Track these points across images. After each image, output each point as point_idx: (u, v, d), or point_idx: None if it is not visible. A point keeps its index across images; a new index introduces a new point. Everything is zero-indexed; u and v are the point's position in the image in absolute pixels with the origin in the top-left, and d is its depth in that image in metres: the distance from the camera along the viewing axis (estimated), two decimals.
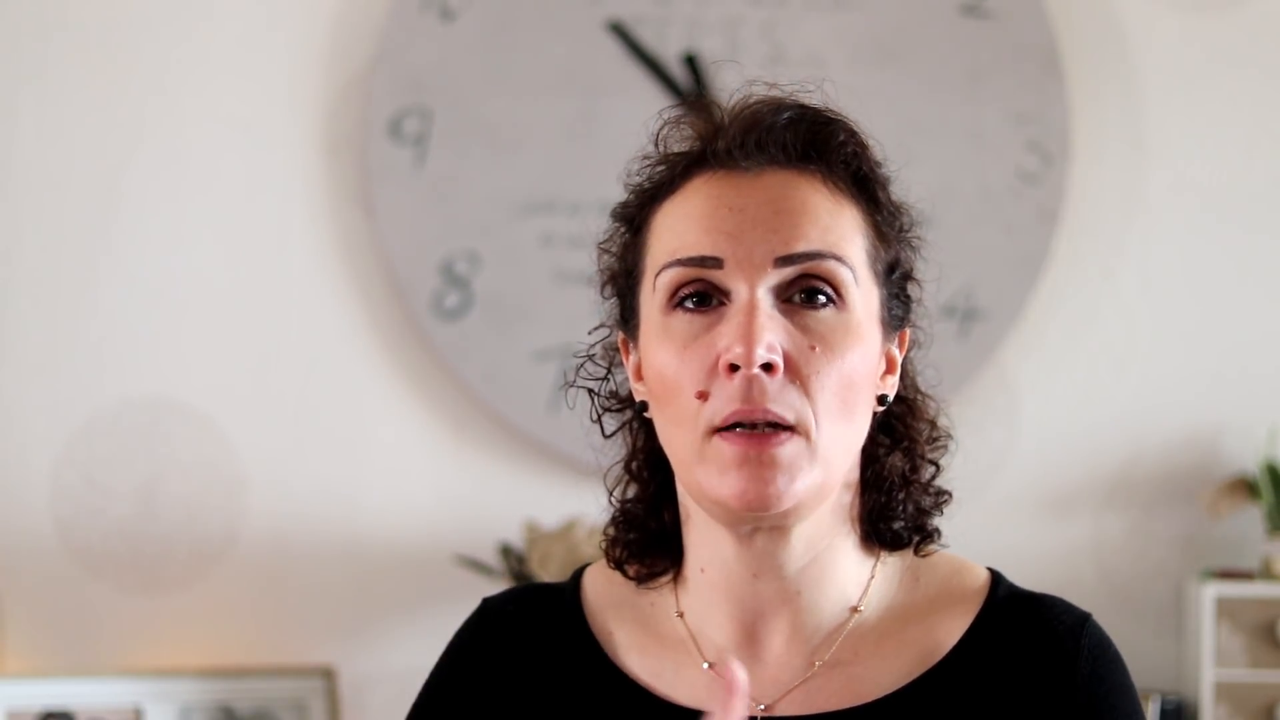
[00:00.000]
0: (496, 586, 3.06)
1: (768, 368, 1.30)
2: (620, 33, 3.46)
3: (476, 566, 3.30)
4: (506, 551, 3.30)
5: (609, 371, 1.46)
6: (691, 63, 3.44)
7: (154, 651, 3.39)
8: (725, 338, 1.31)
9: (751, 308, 1.31)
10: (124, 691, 3.26)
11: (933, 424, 1.43)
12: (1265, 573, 3.30)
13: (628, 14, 3.46)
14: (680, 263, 1.34)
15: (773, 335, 1.30)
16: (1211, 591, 3.24)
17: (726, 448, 1.30)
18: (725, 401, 1.31)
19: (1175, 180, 3.46)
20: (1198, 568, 3.41)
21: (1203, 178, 3.46)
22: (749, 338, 1.30)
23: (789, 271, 1.32)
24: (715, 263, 1.33)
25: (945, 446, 1.44)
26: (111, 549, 3.42)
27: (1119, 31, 3.47)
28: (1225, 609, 3.24)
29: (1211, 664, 3.23)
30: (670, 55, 3.46)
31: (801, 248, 1.33)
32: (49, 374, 3.42)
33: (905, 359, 1.42)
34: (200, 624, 3.40)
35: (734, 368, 1.30)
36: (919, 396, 1.44)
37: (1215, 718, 3.23)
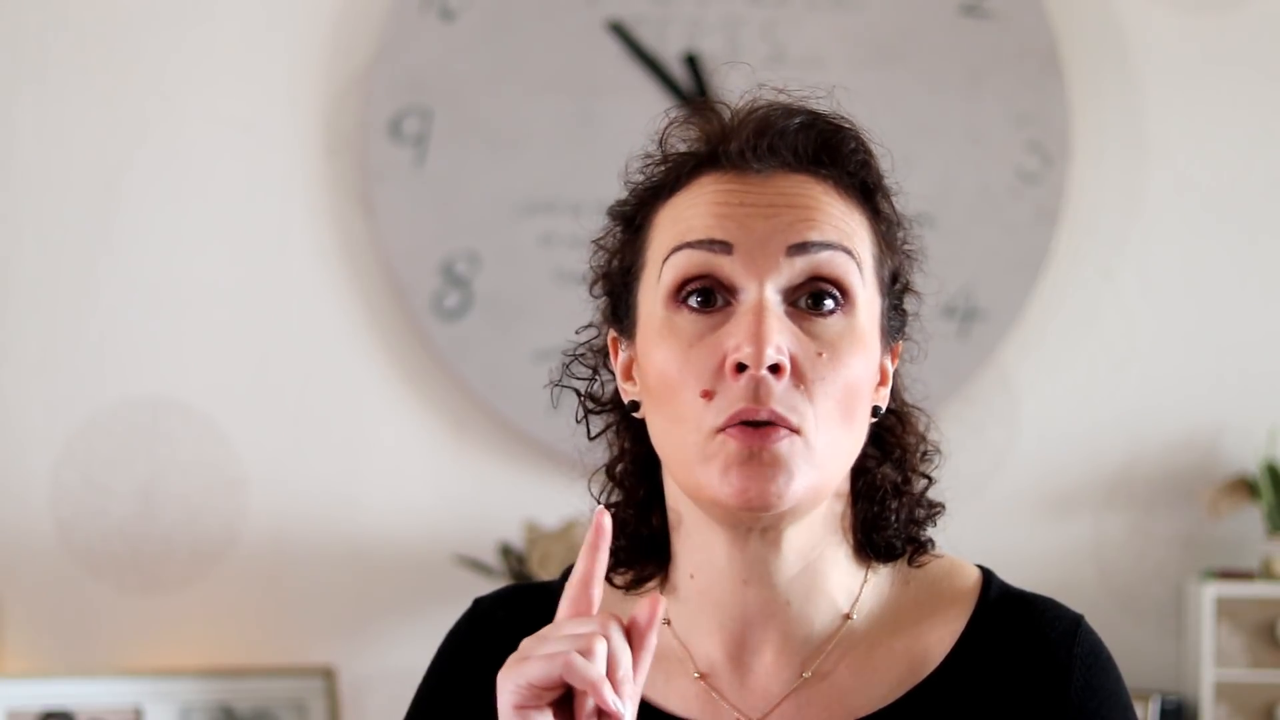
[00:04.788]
0: (496, 586, 3.06)
1: (775, 369, 1.29)
2: (620, 33, 3.45)
3: (476, 566, 3.30)
4: (506, 551, 3.30)
5: (595, 373, 1.44)
6: (692, 63, 3.44)
7: (154, 651, 3.39)
8: (734, 337, 1.30)
9: (760, 308, 1.30)
10: (124, 691, 3.26)
11: (923, 437, 1.42)
12: (1265, 573, 3.30)
13: (628, 14, 3.46)
14: (689, 245, 1.32)
15: (781, 337, 1.29)
16: (1211, 591, 3.24)
17: (732, 443, 1.28)
18: (730, 401, 1.29)
19: (1175, 180, 3.46)
20: (1198, 568, 3.41)
21: (1203, 178, 3.46)
22: (759, 338, 1.28)
23: (799, 265, 1.31)
24: (724, 247, 1.31)
25: (935, 460, 1.43)
26: (111, 549, 3.42)
27: (1119, 31, 3.47)
28: (1225, 609, 3.24)
29: (1211, 664, 3.23)
30: (670, 55, 3.46)
31: (814, 236, 1.32)
32: (49, 374, 3.42)
33: (895, 372, 1.40)
34: (200, 624, 3.40)
35: (741, 368, 1.29)
36: (909, 409, 1.43)
37: (1215, 718, 3.23)
